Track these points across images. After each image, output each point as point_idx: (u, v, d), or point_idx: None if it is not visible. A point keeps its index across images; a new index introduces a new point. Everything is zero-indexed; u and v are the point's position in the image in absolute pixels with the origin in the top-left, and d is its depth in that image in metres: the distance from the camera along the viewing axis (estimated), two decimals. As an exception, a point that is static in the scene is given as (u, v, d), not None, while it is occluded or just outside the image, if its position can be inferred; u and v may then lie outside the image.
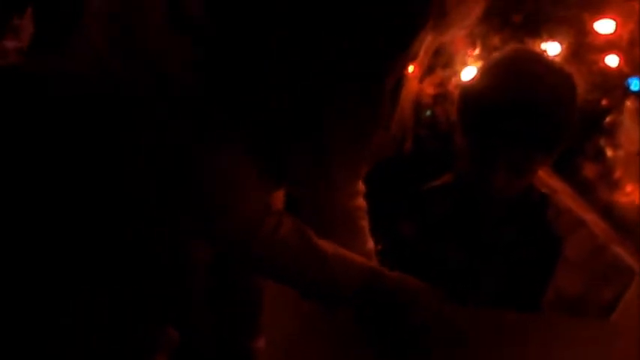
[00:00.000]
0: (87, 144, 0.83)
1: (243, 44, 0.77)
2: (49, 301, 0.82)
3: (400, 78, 0.90)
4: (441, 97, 1.20)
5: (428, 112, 1.62)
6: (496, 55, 1.14)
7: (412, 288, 0.91)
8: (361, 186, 1.08)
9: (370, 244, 1.04)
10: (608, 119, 1.79)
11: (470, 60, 1.60)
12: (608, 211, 1.69)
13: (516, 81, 1.05)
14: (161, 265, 0.88)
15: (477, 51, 1.60)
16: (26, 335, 0.80)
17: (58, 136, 0.82)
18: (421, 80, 1.61)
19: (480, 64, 1.51)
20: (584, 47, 1.79)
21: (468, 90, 1.09)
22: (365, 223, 1.05)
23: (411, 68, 1.57)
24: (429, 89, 1.61)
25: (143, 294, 0.87)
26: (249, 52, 0.78)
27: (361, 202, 1.08)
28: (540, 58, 1.13)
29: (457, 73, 1.61)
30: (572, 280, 1.57)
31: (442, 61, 1.59)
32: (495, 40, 1.50)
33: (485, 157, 1.04)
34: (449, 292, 0.96)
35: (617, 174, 1.73)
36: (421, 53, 0.84)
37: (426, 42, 0.82)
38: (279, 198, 1.00)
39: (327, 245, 0.90)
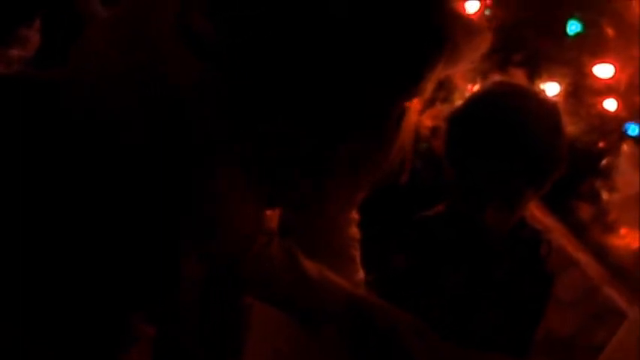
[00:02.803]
0: (90, 157, 0.82)
1: (251, 64, 0.77)
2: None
3: (403, 108, 0.90)
4: (439, 130, 1.20)
5: (425, 145, 1.63)
6: (480, 89, 1.15)
7: (397, 316, 0.90)
8: (355, 215, 1.08)
9: (360, 274, 1.03)
10: (604, 162, 1.80)
11: (469, 95, 1.61)
12: (601, 253, 1.68)
13: (500, 116, 1.05)
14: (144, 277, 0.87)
15: (477, 87, 1.62)
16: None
17: (66, 147, 0.82)
18: (421, 113, 1.62)
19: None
20: (582, 89, 1.81)
21: (454, 125, 1.10)
22: (356, 253, 1.04)
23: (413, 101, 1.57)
24: (428, 122, 1.62)
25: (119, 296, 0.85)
26: (257, 72, 0.77)
27: (354, 231, 1.07)
28: (523, 91, 1.14)
29: (456, 108, 1.62)
30: (563, 321, 1.55)
31: (442, 95, 1.61)
32: (495, 78, 1.52)
33: (475, 194, 1.04)
34: (440, 325, 0.95)
35: (612, 217, 1.73)
36: (428, 87, 0.84)
37: (433, 77, 0.82)
38: (273, 219, 0.99)
39: (313, 266, 0.90)
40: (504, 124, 1.05)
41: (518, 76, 1.61)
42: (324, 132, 0.79)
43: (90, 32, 0.86)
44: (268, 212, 0.96)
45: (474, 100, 1.13)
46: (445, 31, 0.78)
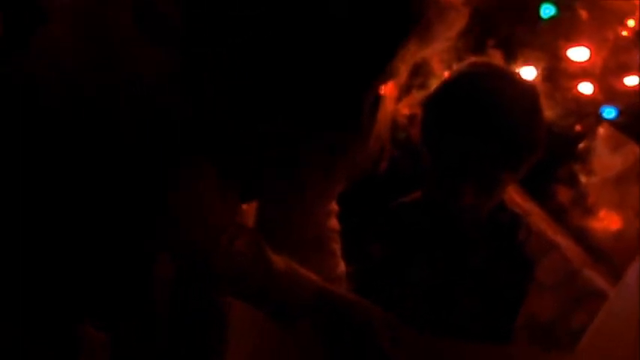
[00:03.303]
0: (62, 154, 0.79)
1: (223, 54, 0.74)
2: None
3: (378, 95, 0.89)
4: (416, 118, 1.19)
5: (403, 134, 1.62)
6: (456, 70, 1.13)
7: (370, 311, 0.89)
8: (334, 206, 1.06)
9: (341, 267, 1.02)
10: (581, 145, 1.81)
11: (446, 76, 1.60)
12: (581, 236, 1.69)
13: (475, 95, 1.04)
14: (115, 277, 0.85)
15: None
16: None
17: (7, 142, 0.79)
18: (398, 101, 1.61)
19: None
20: (558, 73, 1.81)
21: (429, 107, 1.08)
22: (337, 246, 1.03)
23: (389, 88, 1.55)
24: (405, 110, 1.61)
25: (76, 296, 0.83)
26: (229, 63, 0.74)
27: (334, 223, 1.06)
28: (500, 72, 1.12)
29: (433, 95, 1.61)
30: (544, 304, 1.56)
31: (418, 82, 1.60)
32: (472, 59, 1.51)
33: (451, 177, 1.02)
34: (416, 315, 0.94)
35: (591, 200, 1.74)
36: (402, 69, 0.82)
37: (407, 57, 0.80)
38: (249, 215, 0.98)
39: (280, 260, 0.88)
40: (479, 103, 1.04)
41: (496, 58, 1.60)
42: (301, 122, 0.77)
43: (52, 21, 0.83)
44: (244, 206, 0.94)
45: (450, 80, 1.12)
46: (417, 6, 0.76)
